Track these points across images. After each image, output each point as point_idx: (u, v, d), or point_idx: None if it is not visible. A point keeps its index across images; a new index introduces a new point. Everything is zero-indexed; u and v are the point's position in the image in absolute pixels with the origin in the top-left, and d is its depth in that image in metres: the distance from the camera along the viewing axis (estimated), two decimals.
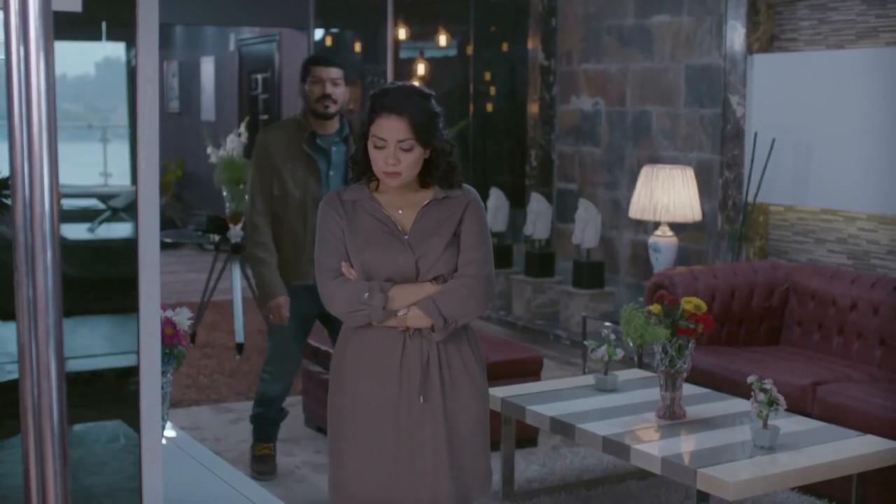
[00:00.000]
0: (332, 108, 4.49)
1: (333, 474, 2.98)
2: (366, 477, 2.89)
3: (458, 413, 2.89)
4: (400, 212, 2.89)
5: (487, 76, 9.74)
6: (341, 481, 2.95)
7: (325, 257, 2.90)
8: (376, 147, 2.81)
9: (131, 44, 1.75)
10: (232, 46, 11.77)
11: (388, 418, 2.86)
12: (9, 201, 1.07)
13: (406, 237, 2.86)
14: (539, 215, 7.78)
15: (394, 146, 2.79)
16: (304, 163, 4.51)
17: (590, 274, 7.35)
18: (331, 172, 4.50)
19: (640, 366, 5.55)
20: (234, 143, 7.08)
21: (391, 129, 2.79)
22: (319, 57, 4.75)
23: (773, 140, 6.03)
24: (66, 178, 1.12)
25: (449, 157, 2.89)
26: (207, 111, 12.38)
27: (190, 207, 11.67)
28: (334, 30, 10.65)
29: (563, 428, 4.13)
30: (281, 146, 4.53)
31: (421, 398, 2.84)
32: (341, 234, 2.88)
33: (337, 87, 4.51)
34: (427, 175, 2.88)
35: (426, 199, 2.90)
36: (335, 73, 4.52)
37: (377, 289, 2.80)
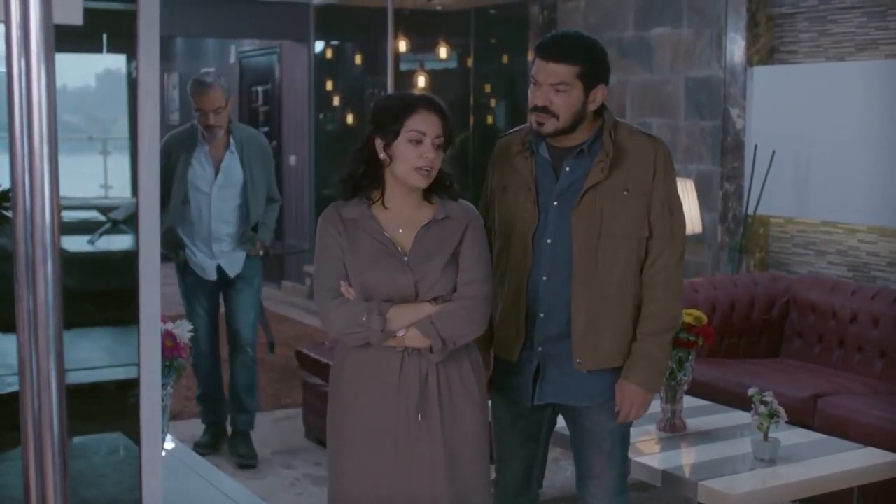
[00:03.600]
0: (549, 127, 3.01)
1: (332, 488, 2.98)
2: (364, 492, 2.88)
3: (457, 429, 2.87)
4: (400, 231, 2.87)
5: (488, 88, 9.76)
6: (340, 496, 2.94)
7: (324, 276, 2.88)
8: (412, 142, 2.78)
9: (132, 56, 1.75)
10: (232, 59, 11.78)
11: (385, 435, 2.85)
12: (9, 213, 1.07)
13: (405, 258, 2.84)
14: None
15: (431, 141, 2.79)
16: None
17: None
18: (554, 202, 3.07)
19: None
20: None
21: (431, 124, 2.79)
22: (549, 45, 3.05)
23: (774, 152, 6.04)
24: (66, 190, 1.12)
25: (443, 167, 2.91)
26: None
27: None
28: (335, 42, 10.66)
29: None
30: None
31: (419, 416, 2.83)
32: (340, 253, 2.85)
33: (560, 94, 2.98)
34: (430, 184, 2.87)
35: (426, 219, 2.87)
36: (561, 72, 2.98)
37: (375, 311, 2.77)
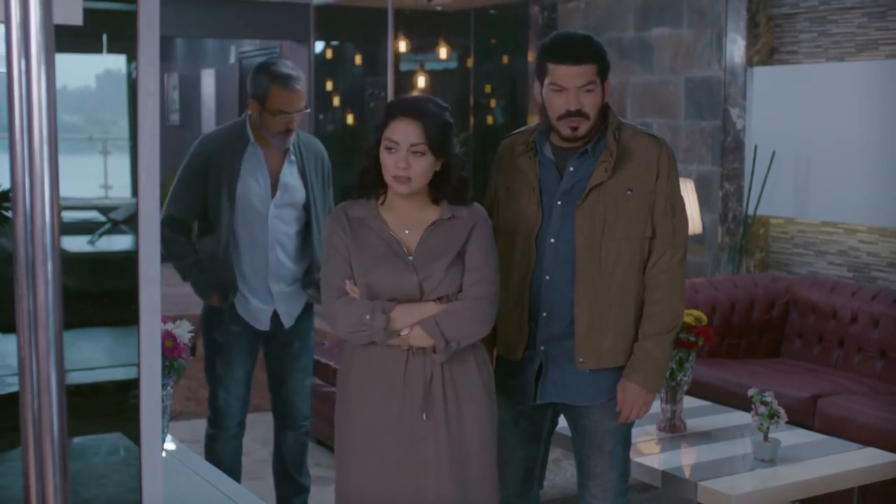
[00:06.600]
0: (583, 130, 2.99)
1: (339, 487, 2.99)
2: (370, 491, 2.89)
3: (463, 429, 2.87)
4: (406, 231, 2.87)
5: (488, 89, 9.76)
6: (346, 494, 2.95)
7: (330, 275, 2.89)
8: (388, 150, 2.78)
9: (132, 56, 1.75)
10: (232, 59, 11.78)
11: (390, 434, 2.85)
12: (9, 214, 1.07)
13: (410, 258, 2.83)
14: None
15: (406, 149, 2.77)
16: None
17: None
18: (558, 202, 3.06)
19: None
20: None
21: (405, 132, 2.77)
22: (566, 48, 3.00)
23: (774, 152, 6.04)
24: (66, 191, 1.12)
25: (461, 171, 2.89)
26: (208, 124, 12.39)
27: None
28: (335, 43, 10.67)
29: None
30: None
31: (424, 415, 2.83)
32: (346, 252, 2.86)
33: (589, 94, 2.98)
34: (439, 189, 2.87)
35: (433, 219, 2.87)
36: (588, 72, 2.98)
37: (379, 310, 2.78)
